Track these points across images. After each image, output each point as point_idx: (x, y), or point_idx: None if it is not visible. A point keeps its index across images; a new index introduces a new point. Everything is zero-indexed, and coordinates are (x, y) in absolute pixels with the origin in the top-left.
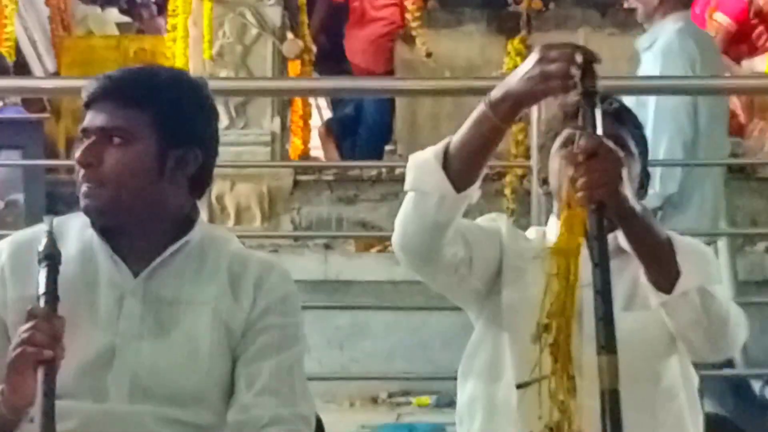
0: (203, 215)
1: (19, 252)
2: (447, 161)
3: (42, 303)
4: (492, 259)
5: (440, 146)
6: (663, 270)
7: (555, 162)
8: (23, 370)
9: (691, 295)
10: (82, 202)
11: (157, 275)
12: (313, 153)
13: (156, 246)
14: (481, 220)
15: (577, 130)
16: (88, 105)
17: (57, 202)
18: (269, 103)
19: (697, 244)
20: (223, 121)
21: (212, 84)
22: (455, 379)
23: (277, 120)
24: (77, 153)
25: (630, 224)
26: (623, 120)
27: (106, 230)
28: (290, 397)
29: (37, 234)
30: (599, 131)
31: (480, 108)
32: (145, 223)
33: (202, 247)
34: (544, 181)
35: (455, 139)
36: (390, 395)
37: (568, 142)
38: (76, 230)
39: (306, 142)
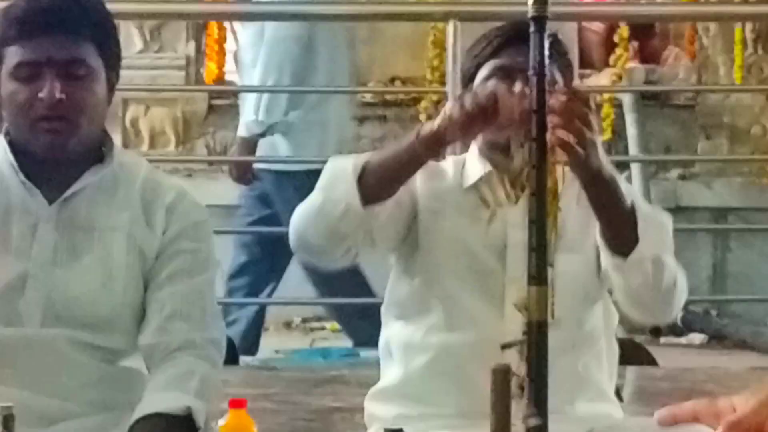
0: (116, 139)
1: None
2: (363, 175)
3: None
4: (400, 219)
5: (361, 159)
6: (622, 236)
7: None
8: None
9: (645, 264)
10: (45, 138)
11: (70, 202)
12: (227, 77)
13: (71, 173)
14: None
15: (514, 62)
16: (26, 35)
17: None
18: (184, 26)
19: (658, 213)
20: (138, 44)
21: (126, 7)
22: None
23: (192, 44)
24: (44, 89)
25: (596, 187)
26: (551, 54)
27: (22, 156)
28: (201, 321)
29: None
30: (546, 60)
31: (410, 139)
32: (75, 152)
33: (114, 174)
34: None
35: (375, 157)
36: (304, 320)
37: (498, 72)
38: None
39: (221, 66)
